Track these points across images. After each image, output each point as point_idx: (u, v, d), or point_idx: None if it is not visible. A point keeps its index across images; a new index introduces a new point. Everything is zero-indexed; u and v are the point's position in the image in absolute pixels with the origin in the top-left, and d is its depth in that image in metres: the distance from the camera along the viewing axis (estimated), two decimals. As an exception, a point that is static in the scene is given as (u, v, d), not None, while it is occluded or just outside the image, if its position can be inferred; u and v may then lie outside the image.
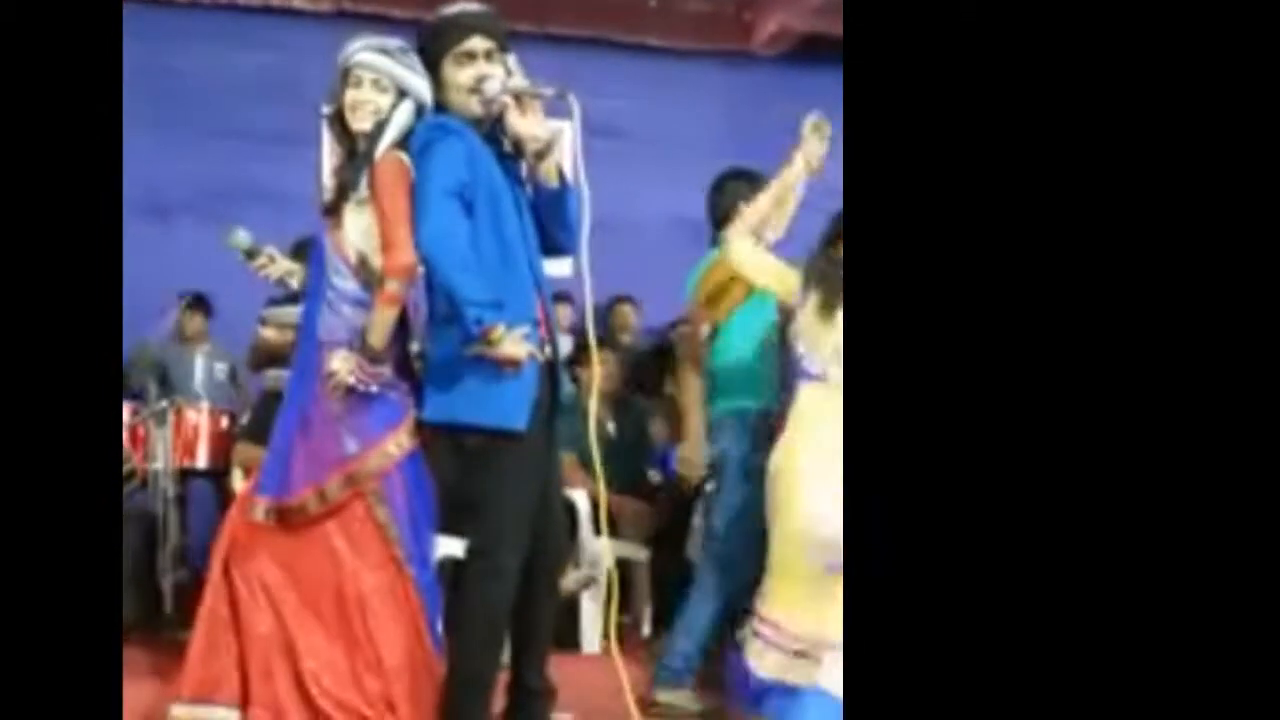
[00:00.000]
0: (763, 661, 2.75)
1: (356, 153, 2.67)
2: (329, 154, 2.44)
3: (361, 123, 2.64)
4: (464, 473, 2.64)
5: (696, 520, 4.40)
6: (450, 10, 2.69)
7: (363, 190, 2.63)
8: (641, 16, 6.94)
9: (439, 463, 4.29)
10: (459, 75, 2.64)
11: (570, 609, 4.06)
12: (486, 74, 2.61)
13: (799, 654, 2.69)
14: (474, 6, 2.69)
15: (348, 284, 2.66)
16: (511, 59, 2.67)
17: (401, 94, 2.65)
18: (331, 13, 6.43)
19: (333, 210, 2.70)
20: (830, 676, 2.54)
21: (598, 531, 3.74)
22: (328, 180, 2.80)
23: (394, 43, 2.69)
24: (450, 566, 4.29)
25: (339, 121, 2.71)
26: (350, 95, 2.65)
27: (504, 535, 2.57)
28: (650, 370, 5.87)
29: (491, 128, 2.68)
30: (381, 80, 2.64)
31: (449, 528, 4.02)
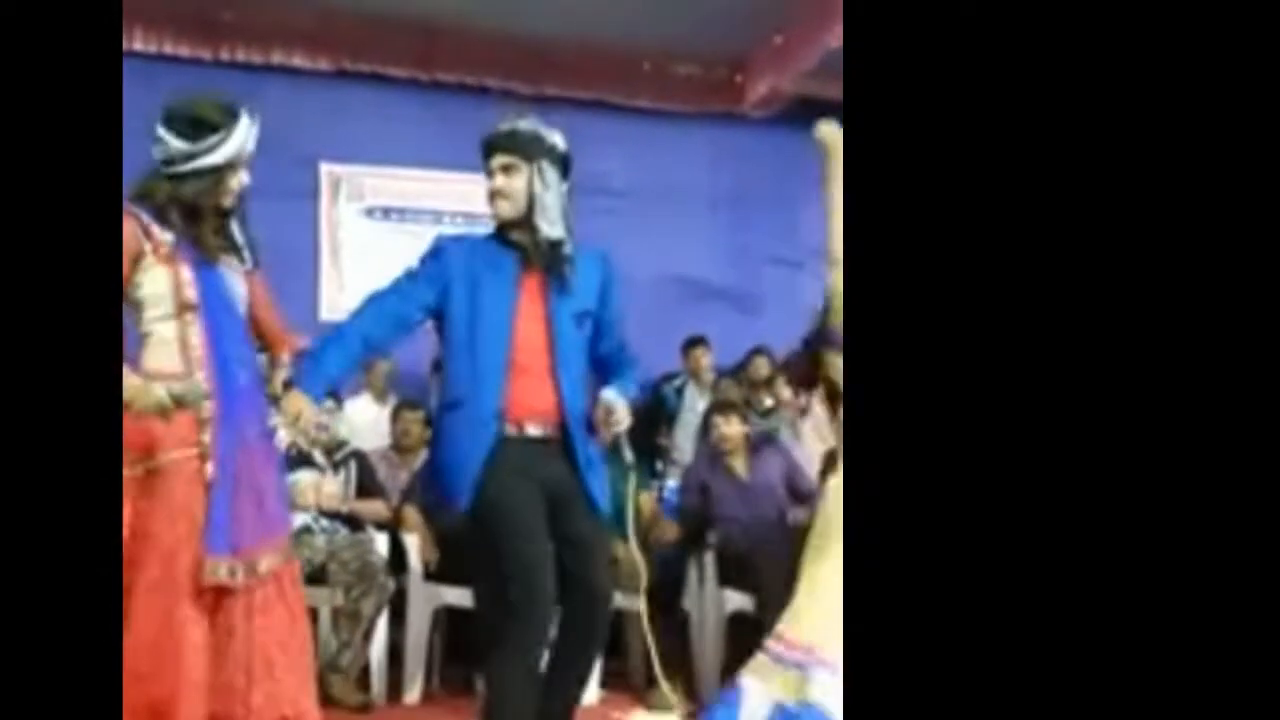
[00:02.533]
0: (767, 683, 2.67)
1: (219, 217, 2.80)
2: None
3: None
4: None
5: (692, 571, 4.43)
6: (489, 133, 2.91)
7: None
8: (636, 79, 7.08)
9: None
10: (490, 186, 2.87)
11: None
12: (499, 188, 2.82)
13: (796, 666, 2.61)
14: (506, 125, 2.86)
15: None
16: (543, 164, 2.82)
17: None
18: (331, 72, 6.55)
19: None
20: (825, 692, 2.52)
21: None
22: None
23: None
24: (445, 615, 4.32)
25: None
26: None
27: (531, 566, 2.61)
28: (641, 424, 5.90)
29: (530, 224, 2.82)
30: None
31: (456, 579, 4.08)
